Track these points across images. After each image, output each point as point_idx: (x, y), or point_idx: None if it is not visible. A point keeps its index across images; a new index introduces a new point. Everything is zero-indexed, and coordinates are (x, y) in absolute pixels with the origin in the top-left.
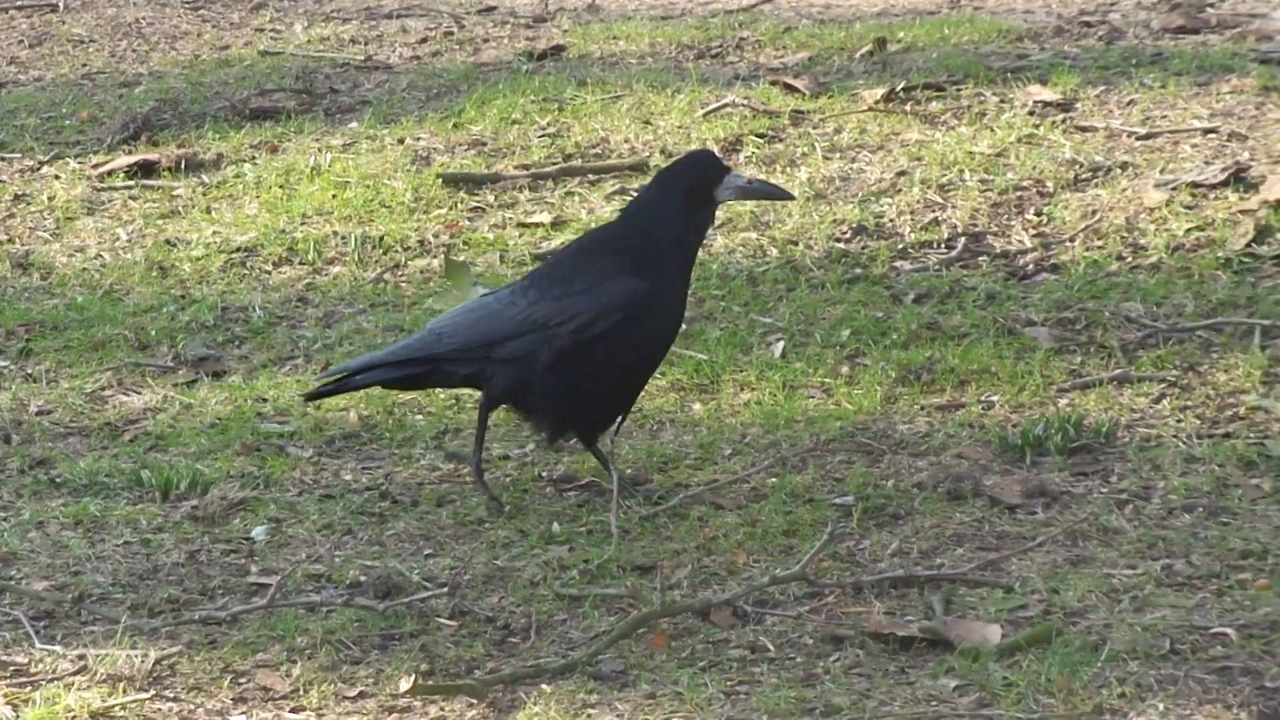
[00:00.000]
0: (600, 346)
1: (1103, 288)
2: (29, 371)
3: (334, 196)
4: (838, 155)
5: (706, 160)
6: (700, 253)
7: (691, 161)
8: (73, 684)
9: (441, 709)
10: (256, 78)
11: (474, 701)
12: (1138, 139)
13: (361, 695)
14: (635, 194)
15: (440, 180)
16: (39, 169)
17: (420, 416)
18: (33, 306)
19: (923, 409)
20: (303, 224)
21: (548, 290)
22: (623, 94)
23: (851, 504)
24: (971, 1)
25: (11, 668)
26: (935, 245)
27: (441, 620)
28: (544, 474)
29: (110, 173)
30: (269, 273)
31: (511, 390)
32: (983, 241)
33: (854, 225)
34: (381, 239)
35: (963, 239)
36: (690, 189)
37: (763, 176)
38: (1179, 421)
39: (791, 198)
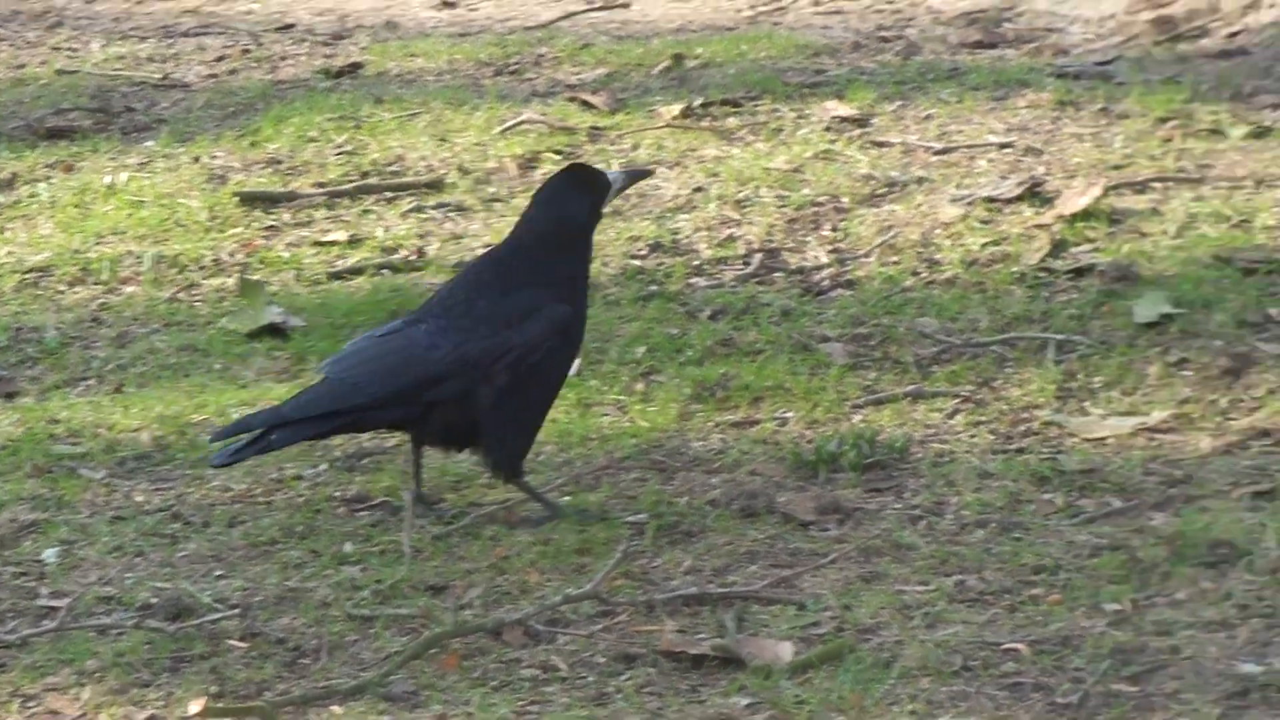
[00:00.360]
0: (538, 375)
1: (898, 303)
2: None
3: (129, 216)
4: None
5: (593, 170)
6: None
7: (586, 174)
8: None
9: None
10: (52, 96)
11: None
12: (934, 154)
13: (152, 718)
14: (534, 198)
15: (236, 199)
16: None
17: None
18: None
19: (717, 426)
20: (97, 243)
21: (471, 329)
22: (420, 111)
23: (644, 522)
24: (769, 17)
25: None
26: (731, 262)
27: (232, 642)
28: (337, 494)
29: None
30: (63, 293)
31: (449, 431)
32: (778, 258)
33: (650, 242)
34: (176, 258)
35: (759, 255)
36: (594, 202)
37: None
38: (973, 437)
39: (651, 173)
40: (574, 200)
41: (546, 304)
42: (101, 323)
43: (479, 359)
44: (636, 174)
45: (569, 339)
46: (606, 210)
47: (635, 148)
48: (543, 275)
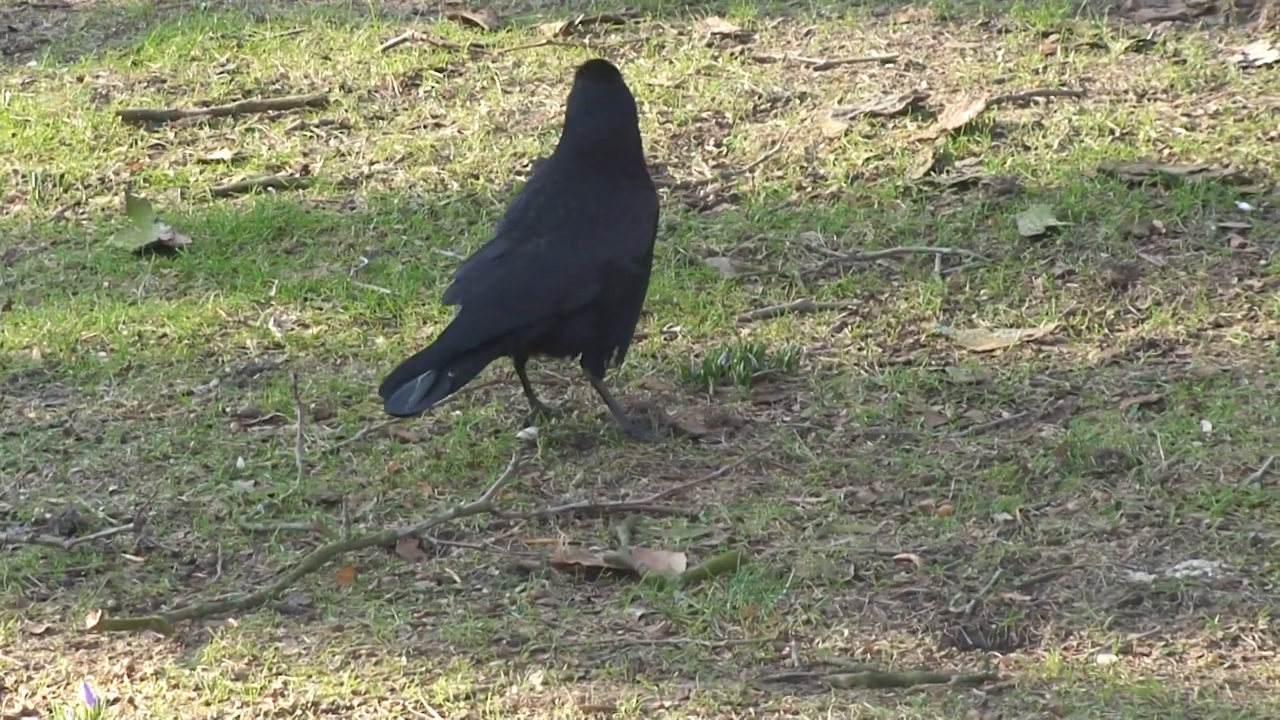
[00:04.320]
0: (649, 265)
1: (783, 218)
2: None
3: (13, 135)
4: (517, 89)
5: (608, 63)
6: (381, 186)
7: (610, 68)
8: None
9: (129, 644)
10: None
11: (161, 636)
12: (816, 69)
13: (49, 631)
14: (575, 104)
15: (120, 118)
16: None
17: (104, 354)
18: None
19: None
20: None
21: (595, 233)
22: (301, 30)
23: (535, 435)
24: None
25: None
26: None
27: (128, 556)
28: (228, 410)
29: None
30: None
31: (575, 339)
32: (663, 173)
33: (535, 159)
34: (62, 177)
35: None
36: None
37: (443, 112)
38: (860, 350)
39: None
40: (622, 92)
41: (645, 196)
42: None
43: (614, 259)
44: None
45: (657, 226)
46: (491, 127)
47: (517, 65)
48: (630, 169)
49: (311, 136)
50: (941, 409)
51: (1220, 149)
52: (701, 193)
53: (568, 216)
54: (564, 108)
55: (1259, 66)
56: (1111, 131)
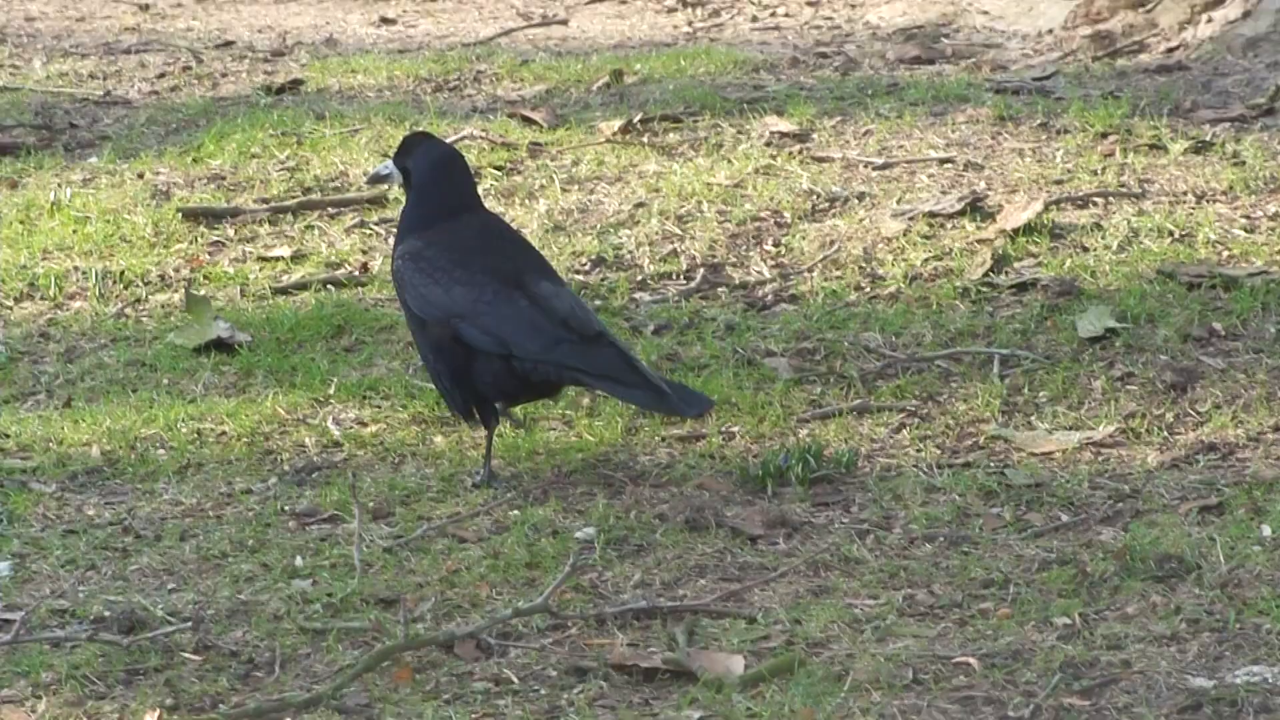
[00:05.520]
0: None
1: (841, 318)
2: None
3: (74, 232)
4: (576, 187)
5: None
6: None
7: None
8: None
9: None
10: None
11: None
12: (874, 169)
13: None
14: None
15: (180, 214)
16: None
17: (163, 451)
18: None
19: (663, 440)
20: (43, 259)
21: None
22: (361, 127)
23: (593, 536)
24: (707, 33)
25: None
26: (674, 276)
27: (186, 655)
28: (286, 508)
29: None
30: (10, 308)
31: None
32: (721, 272)
33: (593, 257)
34: (123, 274)
35: (701, 270)
36: None
37: (502, 209)
38: (919, 451)
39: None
40: None
41: None
42: (50, 338)
43: None
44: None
45: None
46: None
47: (576, 163)
48: None
49: (371, 234)
50: (1000, 511)
51: None
52: (760, 292)
53: (546, 267)
54: (621, 207)
55: None
56: (1170, 233)
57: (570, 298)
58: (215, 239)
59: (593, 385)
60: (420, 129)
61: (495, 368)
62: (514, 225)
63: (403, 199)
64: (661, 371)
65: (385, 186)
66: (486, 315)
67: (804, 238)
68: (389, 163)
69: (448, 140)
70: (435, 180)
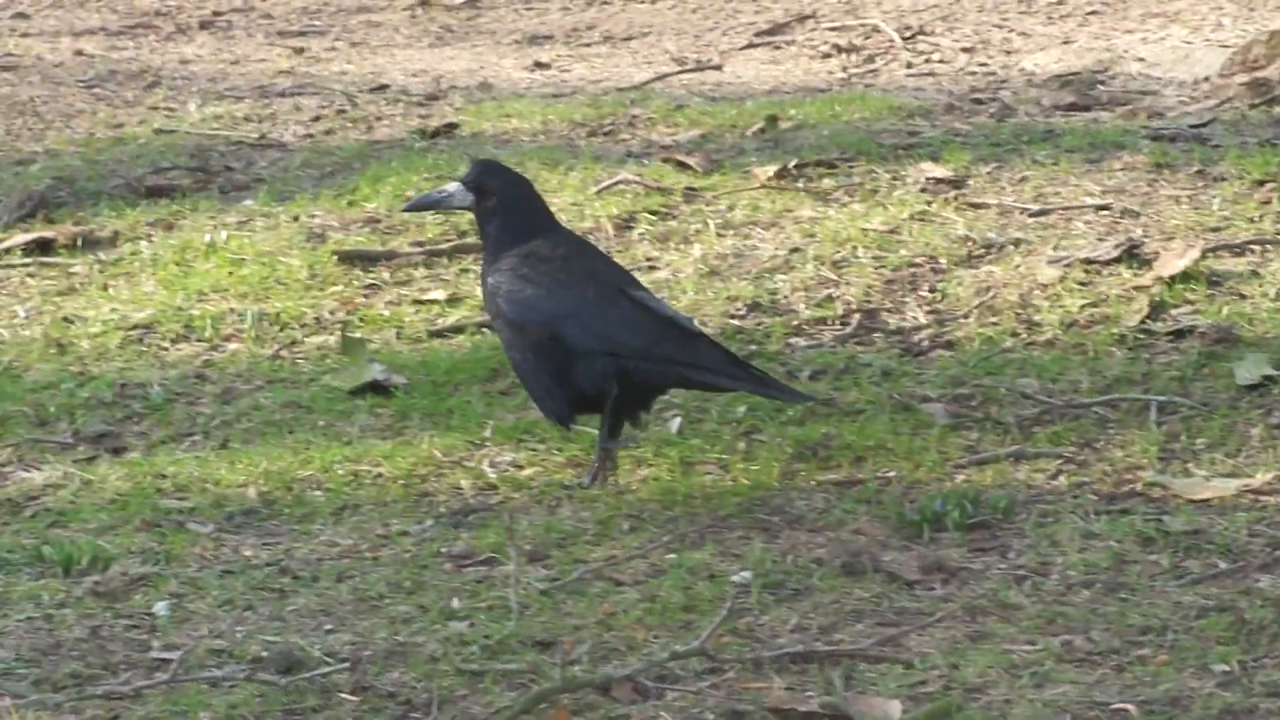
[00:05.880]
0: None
1: (998, 364)
2: None
3: (230, 274)
4: (731, 232)
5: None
6: None
7: None
8: None
9: None
10: (151, 155)
11: None
12: (1030, 215)
13: None
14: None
15: (335, 257)
16: None
17: (319, 493)
18: None
19: (819, 485)
20: (200, 301)
21: None
22: None
23: (750, 579)
24: (862, 79)
25: None
26: (830, 322)
27: (343, 695)
28: (443, 549)
29: (7, 250)
30: (166, 350)
31: None
32: (877, 318)
33: (748, 302)
34: (278, 316)
35: (857, 315)
36: None
37: (657, 254)
38: (1076, 497)
39: None
40: None
41: None
42: (206, 379)
43: None
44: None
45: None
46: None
47: (731, 208)
48: None
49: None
50: (1158, 558)
51: None
52: (916, 338)
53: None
54: (777, 252)
55: None
56: None
57: (666, 304)
58: (370, 282)
59: (699, 380)
60: (482, 156)
61: (599, 367)
62: (669, 270)
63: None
64: (817, 416)
65: (431, 215)
66: (590, 315)
67: (960, 284)
68: (450, 187)
69: (601, 185)
70: (524, 198)
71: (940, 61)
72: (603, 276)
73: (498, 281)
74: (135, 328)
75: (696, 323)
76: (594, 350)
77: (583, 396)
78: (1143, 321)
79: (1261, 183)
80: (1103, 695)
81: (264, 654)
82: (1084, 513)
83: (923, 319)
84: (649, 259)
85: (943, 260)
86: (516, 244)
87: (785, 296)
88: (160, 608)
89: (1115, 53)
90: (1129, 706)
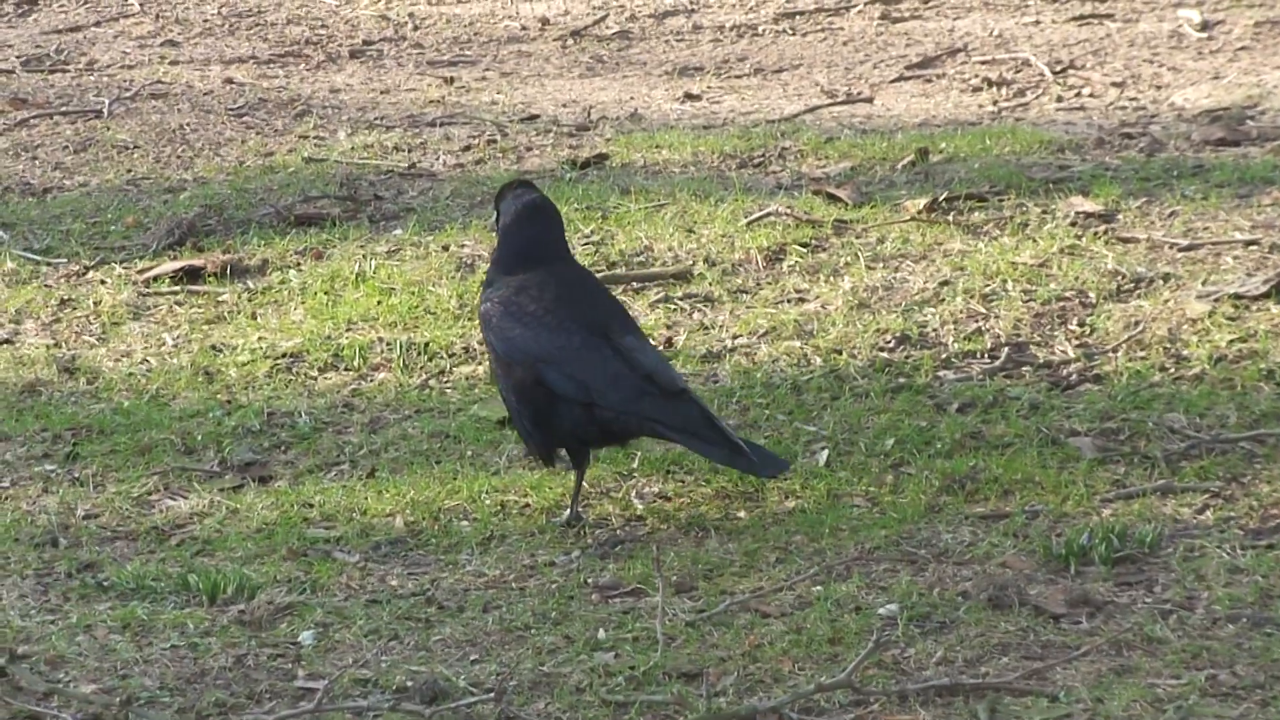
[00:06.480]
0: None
1: (1146, 398)
2: (76, 475)
3: (379, 303)
4: (881, 265)
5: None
6: (744, 360)
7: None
8: None
9: None
10: (301, 184)
11: None
12: (1179, 250)
13: None
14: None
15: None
16: (85, 274)
17: (466, 523)
18: (79, 411)
19: (966, 518)
20: (348, 330)
21: None
22: (666, 202)
23: (896, 612)
24: (1012, 113)
25: None
26: (978, 355)
27: None
28: (589, 580)
29: (156, 278)
30: (314, 379)
31: None
32: (1026, 351)
33: (897, 335)
34: (426, 345)
35: (1006, 349)
36: None
37: (806, 286)
38: (1222, 532)
39: None
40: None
41: None
42: (354, 408)
43: None
44: None
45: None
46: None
47: (881, 241)
48: None
49: (675, 309)
50: None
51: None
52: (1064, 372)
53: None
54: (926, 284)
55: None
56: None
57: (655, 353)
58: None
59: (673, 439)
60: (522, 178)
61: (576, 414)
62: (819, 302)
63: (706, 277)
64: (964, 449)
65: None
66: (572, 362)
67: (1109, 318)
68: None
69: (751, 216)
70: (519, 226)
71: (1090, 96)
72: (592, 320)
73: (489, 310)
74: (283, 356)
75: (682, 378)
76: (572, 397)
77: (565, 435)
78: None
79: None
80: None
81: (409, 684)
82: (1230, 547)
83: (1071, 353)
84: (798, 291)
85: (1091, 294)
86: (514, 271)
87: (934, 329)
88: (305, 637)
89: (1265, 88)
90: None
